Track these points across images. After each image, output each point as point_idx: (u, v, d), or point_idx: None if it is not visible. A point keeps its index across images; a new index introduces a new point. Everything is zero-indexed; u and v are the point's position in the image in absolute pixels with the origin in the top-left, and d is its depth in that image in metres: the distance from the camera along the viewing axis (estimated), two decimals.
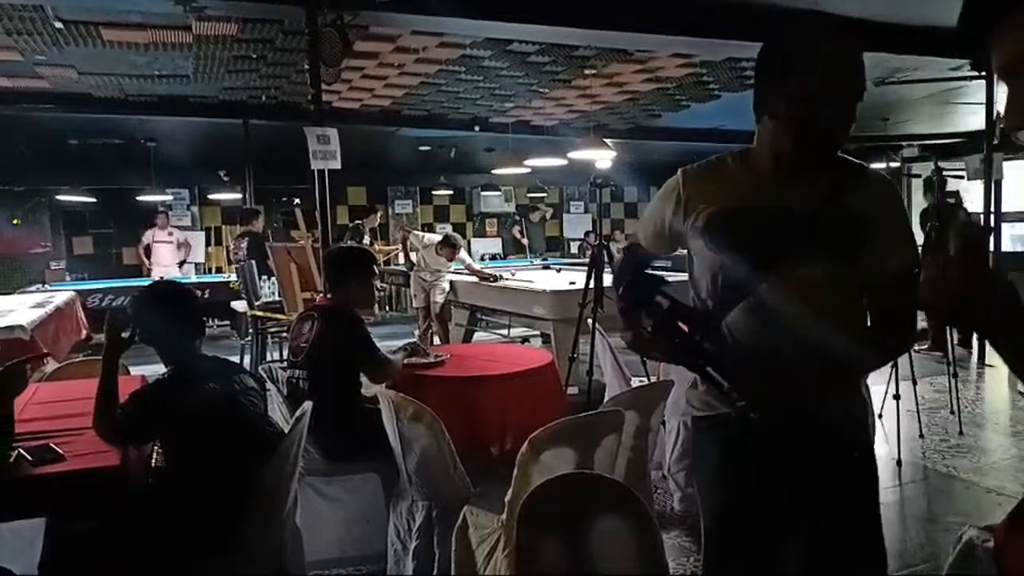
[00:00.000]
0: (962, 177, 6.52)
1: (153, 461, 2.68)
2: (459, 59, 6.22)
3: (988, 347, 4.50)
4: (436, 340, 6.90)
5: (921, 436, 4.53)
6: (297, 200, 9.52)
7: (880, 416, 4.53)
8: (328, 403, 2.70)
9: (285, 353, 5.89)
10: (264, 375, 3.14)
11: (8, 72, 6.22)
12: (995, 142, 6.43)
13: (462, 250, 6.87)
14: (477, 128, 9.13)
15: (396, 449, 2.60)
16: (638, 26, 5.11)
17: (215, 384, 2.24)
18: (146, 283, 3.32)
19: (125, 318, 2.28)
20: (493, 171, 9.82)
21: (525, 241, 13.08)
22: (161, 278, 8.51)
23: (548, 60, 6.29)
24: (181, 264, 10.38)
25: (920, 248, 1.49)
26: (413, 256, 7.08)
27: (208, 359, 2.36)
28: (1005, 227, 7.12)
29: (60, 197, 9.74)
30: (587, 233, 12.91)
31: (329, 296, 3.21)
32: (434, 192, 13.25)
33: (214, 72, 6.47)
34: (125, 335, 2.25)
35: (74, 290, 7.02)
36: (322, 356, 2.95)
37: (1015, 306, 0.86)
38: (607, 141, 7.12)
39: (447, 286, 6.91)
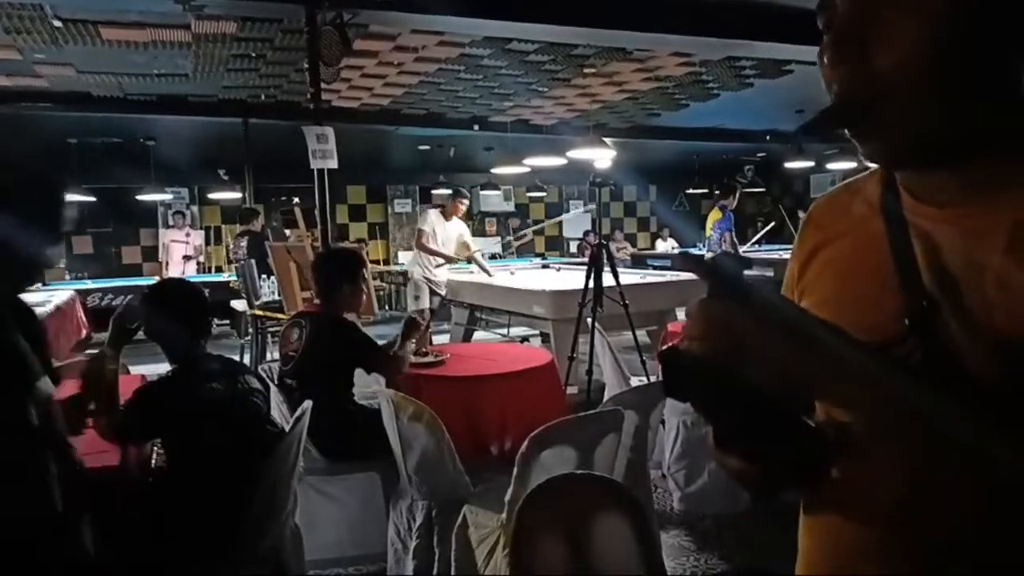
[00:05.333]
0: None
1: (153, 461, 2.68)
2: (458, 58, 6.21)
3: None
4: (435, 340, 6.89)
5: None
6: (296, 199, 9.52)
7: None
8: (324, 406, 2.69)
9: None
10: (264, 375, 3.14)
11: (7, 71, 6.21)
12: None
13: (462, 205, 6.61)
14: (476, 127, 9.13)
15: (396, 448, 2.60)
16: (637, 25, 5.11)
17: (218, 384, 2.23)
18: (149, 282, 3.30)
19: (136, 312, 2.27)
20: (492, 170, 9.81)
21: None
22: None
23: (547, 59, 6.29)
24: (195, 265, 10.39)
25: None
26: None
27: (213, 359, 2.34)
28: None
29: None
30: (586, 232, 12.89)
31: (318, 302, 3.20)
32: (433, 191, 13.25)
33: (213, 71, 6.46)
34: (133, 326, 2.24)
35: (74, 290, 7.02)
36: (313, 363, 2.94)
37: None
38: (606, 140, 7.11)
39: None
